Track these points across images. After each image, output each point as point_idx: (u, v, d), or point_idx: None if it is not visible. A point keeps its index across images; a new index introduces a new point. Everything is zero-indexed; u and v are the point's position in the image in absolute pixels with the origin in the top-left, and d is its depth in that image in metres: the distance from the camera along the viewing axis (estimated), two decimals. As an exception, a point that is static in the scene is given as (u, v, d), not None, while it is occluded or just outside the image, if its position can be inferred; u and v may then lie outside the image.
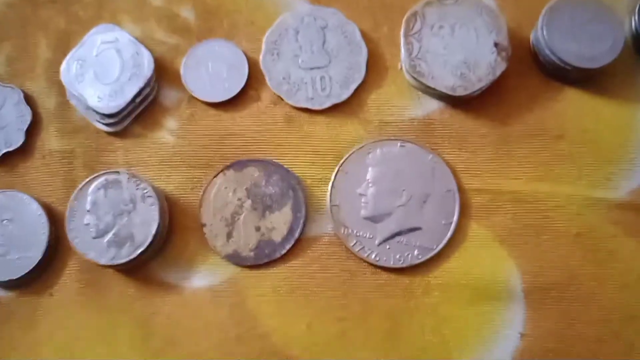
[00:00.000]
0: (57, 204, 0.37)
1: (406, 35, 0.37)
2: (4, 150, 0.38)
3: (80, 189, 0.36)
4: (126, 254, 0.35)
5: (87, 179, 0.36)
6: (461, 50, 0.36)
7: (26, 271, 0.36)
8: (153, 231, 0.35)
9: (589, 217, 0.36)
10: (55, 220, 0.37)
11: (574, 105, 0.37)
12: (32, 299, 0.36)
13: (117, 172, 0.36)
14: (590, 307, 0.35)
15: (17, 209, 0.36)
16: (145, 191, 0.36)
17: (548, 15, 0.36)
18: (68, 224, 0.36)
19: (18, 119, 0.38)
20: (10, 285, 0.36)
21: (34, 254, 0.36)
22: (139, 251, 0.35)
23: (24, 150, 0.38)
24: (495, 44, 0.36)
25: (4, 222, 0.36)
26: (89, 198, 0.36)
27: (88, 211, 0.36)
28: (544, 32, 0.36)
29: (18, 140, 0.38)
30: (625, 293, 0.35)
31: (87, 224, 0.35)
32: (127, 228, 0.35)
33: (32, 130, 0.38)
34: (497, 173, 0.36)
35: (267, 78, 0.37)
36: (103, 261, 0.35)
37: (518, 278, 0.35)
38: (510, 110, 0.37)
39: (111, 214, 0.35)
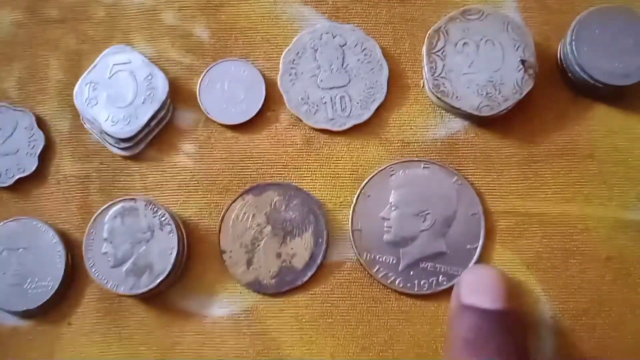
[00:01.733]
0: (73, 231, 0.36)
1: (429, 53, 0.35)
2: (18, 176, 0.37)
3: (97, 216, 0.35)
4: (145, 284, 0.34)
5: (104, 206, 0.35)
6: (486, 68, 0.35)
7: (43, 301, 0.35)
8: (172, 260, 0.34)
9: (619, 240, 0.35)
10: (72, 248, 0.36)
11: (604, 123, 0.36)
12: (51, 328, 0.36)
13: (134, 199, 0.35)
14: (622, 334, 0.34)
15: (32, 237, 0.36)
16: (163, 219, 0.35)
17: (577, 29, 0.35)
18: (85, 253, 0.35)
19: (31, 143, 0.37)
20: (28, 314, 0.36)
21: (51, 283, 0.35)
22: (159, 280, 0.34)
23: (38, 176, 0.37)
24: (522, 61, 0.35)
25: (20, 250, 0.36)
26: (105, 226, 0.35)
27: (105, 239, 0.35)
28: (573, 48, 0.35)
29: (31, 165, 0.37)
30: (658, 318, 0.34)
31: (105, 253, 0.35)
32: (146, 257, 0.35)
33: (46, 155, 0.37)
34: (524, 195, 0.35)
35: (285, 98, 0.36)
36: (122, 290, 0.34)
37: (546, 304, 0.34)
38: (538, 128, 0.36)
39: (129, 243, 0.35)
